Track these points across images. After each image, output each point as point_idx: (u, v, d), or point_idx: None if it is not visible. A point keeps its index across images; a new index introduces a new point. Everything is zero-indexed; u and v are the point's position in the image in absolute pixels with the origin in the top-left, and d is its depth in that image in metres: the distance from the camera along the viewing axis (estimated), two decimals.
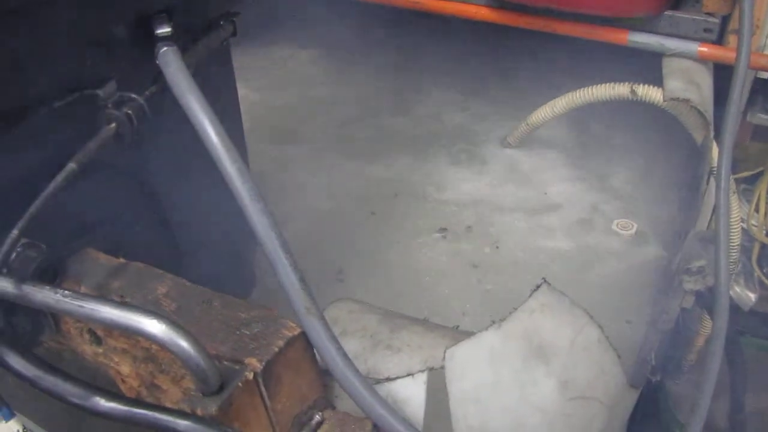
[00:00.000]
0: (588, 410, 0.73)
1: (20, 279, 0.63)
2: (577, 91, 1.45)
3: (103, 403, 0.56)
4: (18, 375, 0.58)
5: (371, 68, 1.92)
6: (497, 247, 1.43)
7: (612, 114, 1.62)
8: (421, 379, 0.70)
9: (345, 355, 0.65)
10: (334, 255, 1.38)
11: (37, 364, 0.58)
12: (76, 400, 0.56)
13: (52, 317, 0.78)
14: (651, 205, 1.52)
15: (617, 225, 1.48)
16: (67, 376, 0.57)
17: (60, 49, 0.69)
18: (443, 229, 1.46)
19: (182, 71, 0.70)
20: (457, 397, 0.70)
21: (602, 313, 1.30)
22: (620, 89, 1.42)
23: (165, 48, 0.73)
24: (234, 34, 0.91)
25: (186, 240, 0.92)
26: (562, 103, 1.47)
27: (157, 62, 0.73)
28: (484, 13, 1.50)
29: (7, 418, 0.63)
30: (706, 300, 1.37)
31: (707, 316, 1.53)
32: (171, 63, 0.71)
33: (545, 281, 0.76)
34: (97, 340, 0.76)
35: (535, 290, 0.75)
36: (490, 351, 0.71)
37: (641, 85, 1.40)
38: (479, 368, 0.71)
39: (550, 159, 1.63)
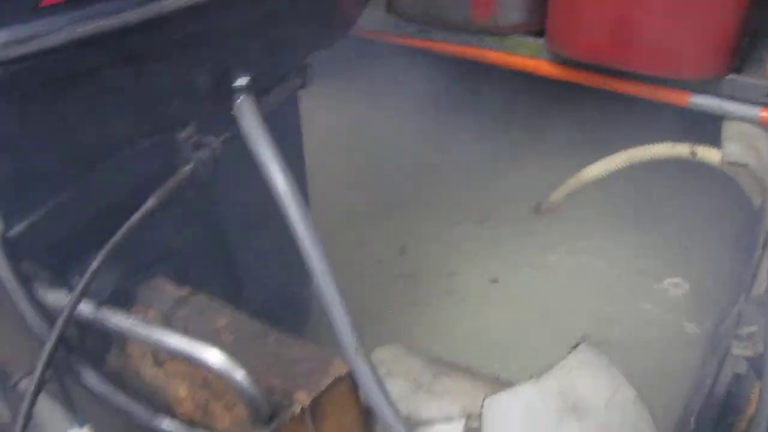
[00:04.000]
0: None
1: (99, 303, 0.69)
2: (637, 148, 1.46)
3: (165, 425, 0.61)
4: (92, 392, 0.64)
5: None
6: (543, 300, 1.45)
7: (668, 172, 1.62)
8: (459, 424, 0.74)
9: (388, 396, 0.69)
10: None
11: (110, 383, 0.64)
12: (141, 420, 0.61)
13: (120, 338, 0.84)
14: (704, 266, 1.51)
15: (668, 283, 1.48)
16: (135, 397, 0.63)
17: (148, 95, 0.76)
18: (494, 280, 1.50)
19: (257, 121, 0.76)
20: None
21: (648, 373, 1.31)
22: (680, 149, 1.43)
23: (241, 98, 0.79)
24: (303, 85, 0.97)
25: (247, 274, 0.98)
26: (619, 159, 1.48)
27: (233, 112, 0.79)
28: (544, 68, 1.54)
29: (81, 425, 0.69)
30: (758, 365, 1.36)
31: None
32: (246, 113, 0.77)
33: (584, 339, 0.79)
34: (159, 363, 0.82)
35: (573, 348, 0.78)
36: (526, 404, 0.74)
37: (701, 147, 1.41)
38: (515, 420, 0.74)
39: (601, 214, 1.64)
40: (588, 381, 0.76)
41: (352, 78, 2.04)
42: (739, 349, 1.30)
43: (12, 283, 0.65)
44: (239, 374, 0.62)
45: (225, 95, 0.80)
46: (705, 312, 1.43)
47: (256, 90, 0.85)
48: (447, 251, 1.61)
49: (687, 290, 1.46)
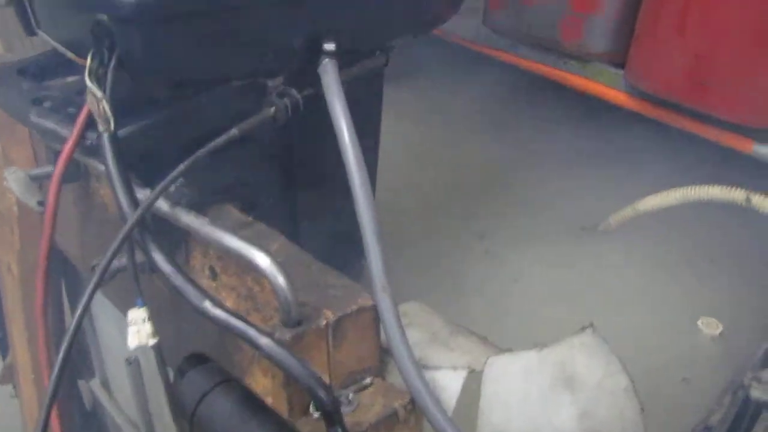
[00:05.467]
0: None
1: (175, 203, 0.82)
2: (692, 187, 1.51)
3: (211, 308, 0.72)
4: (159, 270, 0.76)
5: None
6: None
7: (727, 214, 1.65)
8: (462, 374, 0.82)
9: (403, 332, 0.79)
10: None
11: (174, 265, 0.76)
12: (193, 300, 0.73)
13: (186, 251, 0.97)
14: (743, 310, 1.54)
15: (702, 323, 1.52)
16: (191, 281, 0.75)
17: (248, 45, 0.89)
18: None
19: (336, 80, 0.87)
20: (488, 397, 0.82)
21: (673, 405, 1.35)
22: (736, 194, 1.47)
23: (326, 60, 0.90)
24: (386, 64, 1.09)
25: (304, 219, 1.10)
26: (675, 195, 1.53)
27: (318, 70, 0.90)
28: (620, 98, 1.61)
29: (140, 306, 0.81)
30: None
31: None
32: (329, 72, 0.88)
33: (592, 326, 0.86)
34: (214, 276, 0.94)
35: (580, 330, 0.86)
36: (525, 367, 0.82)
37: (757, 194, 1.44)
38: (512, 379, 0.82)
39: (645, 247, 1.67)
40: (585, 359, 0.83)
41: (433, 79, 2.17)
42: (756, 391, 1.33)
43: (114, 170, 0.78)
44: (280, 278, 0.73)
45: (313, 56, 0.92)
46: (734, 355, 1.46)
47: (342, 58, 0.96)
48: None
49: (721, 331, 1.50)
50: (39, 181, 1.12)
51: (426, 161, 1.96)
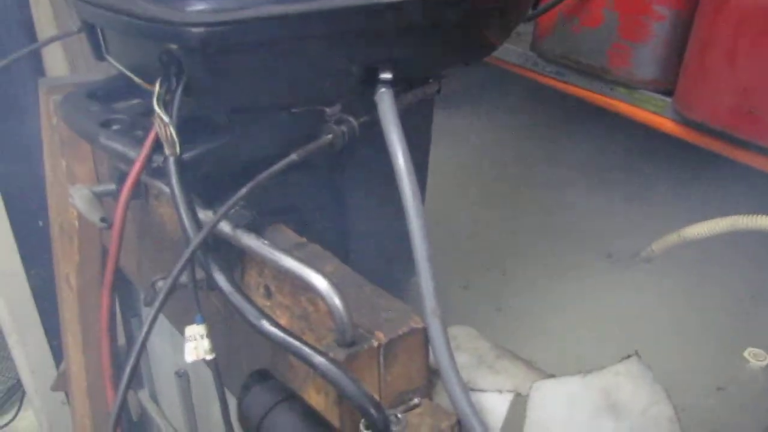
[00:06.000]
0: None
1: (235, 225, 0.86)
2: (743, 216, 1.50)
3: (267, 326, 0.76)
4: (219, 288, 0.79)
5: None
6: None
7: (758, 246, 1.63)
8: (507, 397, 0.84)
9: (452, 355, 0.81)
10: None
11: (233, 284, 0.79)
12: (251, 318, 0.76)
13: (241, 269, 1.01)
14: None
15: (748, 354, 1.50)
16: (249, 300, 0.78)
17: (309, 74, 0.92)
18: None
19: (392, 108, 0.90)
20: (532, 421, 0.83)
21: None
22: None
23: (383, 89, 0.93)
24: (438, 91, 1.11)
25: (355, 240, 1.13)
26: (724, 223, 1.52)
27: (375, 98, 0.94)
28: (668, 126, 1.61)
29: (199, 322, 0.85)
30: None
31: None
32: (385, 100, 0.91)
33: (637, 353, 0.87)
34: (269, 294, 0.98)
35: (625, 358, 0.87)
36: (569, 392, 0.84)
37: None
38: (557, 404, 0.84)
39: (686, 277, 1.66)
40: (630, 387, 0.84)
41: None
42: None
43: (178, 193, 0.82)
44: (337, 300, 0.76)
45: (370, 85, 0.95)
46: None
47: (397, 87, 0.99)
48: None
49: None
50: (101, 197, 1.17)
51: (450, 181, 1.98)
